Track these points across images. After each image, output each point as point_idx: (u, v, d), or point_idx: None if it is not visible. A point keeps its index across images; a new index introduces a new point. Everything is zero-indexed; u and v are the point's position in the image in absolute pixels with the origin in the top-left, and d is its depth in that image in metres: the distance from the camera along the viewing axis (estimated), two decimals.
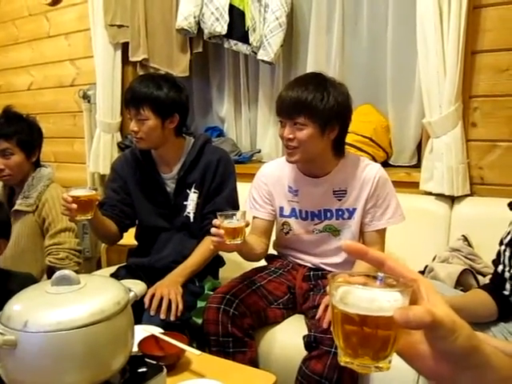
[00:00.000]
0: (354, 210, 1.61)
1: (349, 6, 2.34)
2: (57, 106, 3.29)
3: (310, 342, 1.39)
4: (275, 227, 1.76)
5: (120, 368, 0.90)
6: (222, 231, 1.31)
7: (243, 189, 1.83)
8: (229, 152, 2.58)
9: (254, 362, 1.49)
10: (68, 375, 0.81)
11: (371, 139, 2.26)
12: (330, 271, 1.66)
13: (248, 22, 2.28)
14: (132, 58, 2.66)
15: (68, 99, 3.19)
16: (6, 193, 2.02)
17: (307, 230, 1.66)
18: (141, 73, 2.60)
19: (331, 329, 0.50)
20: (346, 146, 2.12)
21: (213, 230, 1.32)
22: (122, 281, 1.02)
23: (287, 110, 1.51)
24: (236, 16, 2.32)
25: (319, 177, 1.62)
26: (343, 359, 0.48)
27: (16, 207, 1.86)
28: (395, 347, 0.47)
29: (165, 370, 0.98)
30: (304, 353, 1.41)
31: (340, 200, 1.62)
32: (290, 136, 1.51)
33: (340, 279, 0.50)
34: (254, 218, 1.71)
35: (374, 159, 2.21)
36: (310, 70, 2.35)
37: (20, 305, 0.86)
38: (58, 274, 0.90)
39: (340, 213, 1.62)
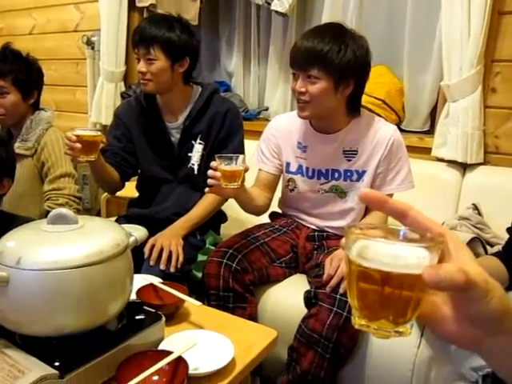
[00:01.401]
0: (364, 172, 1.55)
1: None
2: (59, 52, 3.17)
3: (309, 298, 1.36)
4: (281, 184, 1.70)
5: (117, 313, 0.86)
6: (218, 174, 1.25)
7: (249, 146, 1.76)
8: None
9: (253, 319, 1.47)
10: (62, 316, 0.77)
11: (384, 101, 2.18)
12: (335, 234, 1.61)
13: None
14: (139, 4, 2.55)
15: (71, 45, 3.07)
16: (4, 135, 1.95)
17: (313, 189, 1.60)
18: None
19: (345, 287, 0.45)
20: None
21: (209, 172, 1.26)
22: (123, 225, 0.97)
23: (300, 61, 1.42)
24: None
25: (330, 133, 1.55)
26: (358, 321, 0.43)
27: (14, 150, 1.79)
28: (418, 310, 0.42)
29: (163, 318, 0.95)
30: (304, 312, 1.39)
31: (350, 160, 1.55)
32: (302, 89, 1.43)
33: (358, 231, 0.44)
34: (260, 170, 1.65)
35: None
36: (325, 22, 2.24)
37: (14, 241, 0.81)
38: (54, 211, 0.85)
39: (348, 174, 1.56)
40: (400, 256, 0.40)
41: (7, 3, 3.44)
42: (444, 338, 0.44)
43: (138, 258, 1.46)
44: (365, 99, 2.16)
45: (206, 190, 1.31)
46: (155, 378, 0.80)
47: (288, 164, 1.63)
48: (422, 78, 2.20)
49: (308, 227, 1.66)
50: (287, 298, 1.52)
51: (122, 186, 1.77)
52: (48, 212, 1.74)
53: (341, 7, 2.30)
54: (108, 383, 0.81)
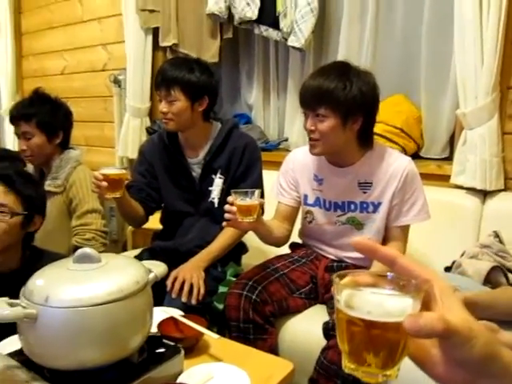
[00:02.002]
0: (380, 203, 1.56)
1: None
2: (88, 91, 3.33)
3: (328, 329, 1.38)
4: (300, 215, 1.74)
5: (138, 347, 0.90)
6: (234, 208, 1.30)
7: (269, 176, 1.81)
8: (256, 139, 2.57)
9: (273, 350, 1.49)
10: (86, 351, 0.82)
11: (402, 130, 2.20)
12: (354, 264, 1.63)
13: (279, 7, 2.24)
14: (162, 43, 2.66)
15: (99, 84, 3.22)
16: (36, 174, 2.06)
17: (330, 221, 1.63)
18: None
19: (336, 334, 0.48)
20: (376, 137, 2.10)
21: (226, 206, 1.32)
22: (143, 261, 1.02)
23: (308, 101, 1.48)
24: (267, 1, 2.29)
25: (344, 167, 1.58)
26: (348, 365, 0.45)
27: (45, 188, 1.89)
28: (404, 354, 0.44)
29: (182, 351, 0.99)
30: (324, 343, 1.40)
31: (365, 192, 1.58)
32: (312, 128, 1.47)
33: (346, 279, 0.46)
34: (279, 203, 1.69)
35: (405, 150, 2.15)
36: (340, 57, 2.30)
37: (42, 280, 0.87)
38: (79, 251, 0.90)
39: (364, 206, 1.58)
40: (384, 304, 0.43)
41: (41, 46, 3.66)
42: (436, 380, 0.45)
43: (161, 290, 1.51)
44: (383, 128, 2.20)
45: (224, 224, 1.36)
46: None
47: (306, 196, 1.67)
48: (440, 105, 2.21)
49: (327, 258, 1.68)
50: (307, 328, 1.53)
51: (146, 220, 1.84)
52: (76, 247, 1.84)
53: (356, 41, 2.35)
54: None
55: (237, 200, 1.30)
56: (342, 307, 0.45)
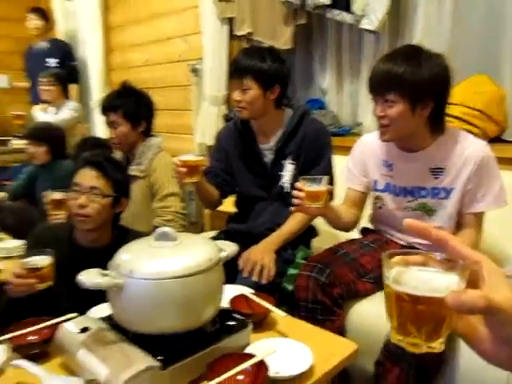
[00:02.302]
0: (452, 189, 1.53)
1: None
2: (169, 80, 3.51)
3: None
4: (371, 200, 1.74)
5: (210, 318, 0.99)
6: (302, 194, 1.34)
7: (341, 162, 1.82)
8: (329, 124, 2.58)
9: (341, 331, 1.52)
10: (165, 318, 0.92)
11: (482, 112, 2.09)
12: (425, 251, 1.60)
13: None
14: (237, 32, 2.74)
15: (179, 73, 3.38)
16: (123, 160, 2.24)
17: (400, 207, 1.62)
18: (246, 46, 2.67)
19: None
20: (452, 119, 2.02)
21: (294, 192, 1.37)
22: (216, 241, 1.11)
23: (377, 86, 1.47)
24: None
25: (415, 152, 1.56)
26: (395, 337, 0.49)
27: (130, 172, 2.06)
28: (449, 329, 0.47)
29: (250, 325, 1.06)
30: None
31: (437, 178, 1.54)
32: (381, 114, 1.46)
33: (396, 258, 0.50)
34: (348, 188, 1.71)
35: (486, 134, 2.06)
36: (418, 38, 2.23)
37: (127, 255, 0.98)
38: (159, 230, 1.01)
39: (436, 192, 1.55)
40: (430, 281, 0.47)
41: (125, 40, 3.91)
42: (483, 357, 0.47)
43: (233, 269, 1.60)
44: (460, 110, 2.12)
45: (292, 208, 1.41)
46: (239, 377, 0.91)
47: (375, 182, 1.67)
48: None
49: (397, 243, 1.68)
50: (375, 312, 1.55)
51: (221, 203, 1.94)
52: (157, 227, 1.99)
53: (435, 20, 2.26)
54: (197, 380, 0.94)
55: (305, 186, 1.34)
56: (390, 283, 0.48)
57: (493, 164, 1.49)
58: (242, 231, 1.86)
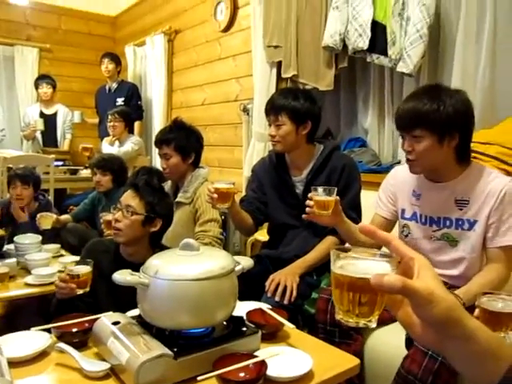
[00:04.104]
0: (476, 221, 1.57)
1: (501, 8, 2.23)
2: (223, 119, 3.79)
3: (409, 339, 1.43)
4: (397, 229, 1.81)
5: (222, 320, 1.13)
6: (312, 202, 1.49)
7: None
8: (369, 161, 2.69)
9: (358, 355, 1.58)
10: (183, 315, 1.07)
11: None
12: (446, 283, 1.65)
13: (388, 36, 2.36)
14: (284, 75, 2.95)
15: (231, 112, 3.65)
16: (173, 188, 2.47)
17: (425, 235, 1.68)
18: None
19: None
20: (488, 158, 2.06)
21: (307, 201, 1.51)
22: (236, 256, 1.25)
23: (403, 124, 1.57)
24: (378, 30, 2.43)
25: (442, 182, 1.63)
26: (337, 316, 0.61)
27: (177, 199, 2.28)
28: (379, 308, 0.58)
29: (260, 332, 1.18)
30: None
31: (461, 209, 1.60)
32: (409, 149, 1.56)
33: (342, 254, 0.61)
34: (375, 214, 1.80)
35: None
36: (455, 80, 2.31)
37: (156, 260, 1.15)
38: (184, 241, 1.17)
39: (460, 222, 1.61)
40: (367, 268, 0.58)
41: (187, 81, 4.27)
42: (416, 340, 0.58)
43: (261, 289, 1.73)
44: (497, 150, 2.15)
45: (303, 216, 1.55)
46: (241, 374, 1.03)
47: (403, 210, 1.74)
48: None
49: None
50: (393, 340, 1.60)
51: (256, 230, 2.09)
52: None
53: (472, 62, 2.33)
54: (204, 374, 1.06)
55: (315, 196, 1.49)
56: (336, 269, 0.60)
57: None
58: (272, 256, 1.99)
